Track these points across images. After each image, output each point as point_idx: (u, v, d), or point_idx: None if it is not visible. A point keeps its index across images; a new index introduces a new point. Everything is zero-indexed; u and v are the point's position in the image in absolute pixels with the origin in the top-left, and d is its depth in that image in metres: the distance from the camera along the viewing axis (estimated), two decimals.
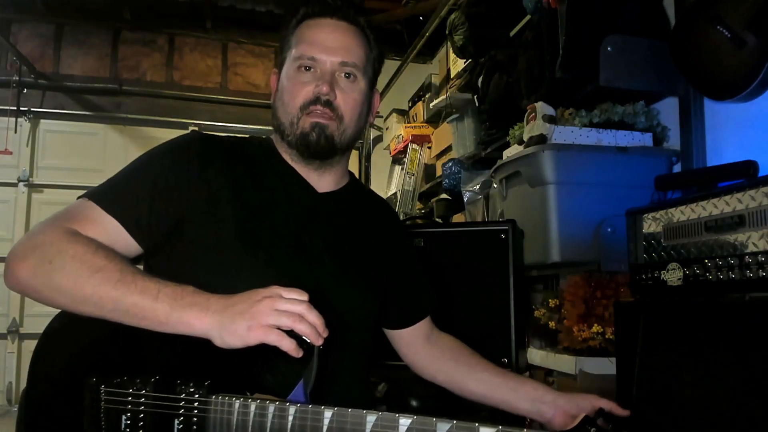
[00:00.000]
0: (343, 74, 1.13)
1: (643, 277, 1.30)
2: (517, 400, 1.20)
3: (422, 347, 1.31)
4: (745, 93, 1.47)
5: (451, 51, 3.16)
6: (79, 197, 1.05)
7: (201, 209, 1.05)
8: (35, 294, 0.94)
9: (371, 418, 0.81)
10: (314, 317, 0.86)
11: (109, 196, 1.03)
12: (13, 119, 4.32)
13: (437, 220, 3.32)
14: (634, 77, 1.80)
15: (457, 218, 3.06)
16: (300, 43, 1.14)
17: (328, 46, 1.12)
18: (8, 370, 4.22)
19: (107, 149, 4.59)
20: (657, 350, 1.19)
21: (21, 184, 4.49)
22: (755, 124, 1.59)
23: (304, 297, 0.88)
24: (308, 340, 0.86)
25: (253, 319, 0.85)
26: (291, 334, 0.85)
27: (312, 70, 1.12)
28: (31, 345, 3.87)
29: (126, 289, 0.90)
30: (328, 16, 1.15)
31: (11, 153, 4.43)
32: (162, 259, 1.07)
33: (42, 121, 4.59)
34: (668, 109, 1.87)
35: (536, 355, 1.86)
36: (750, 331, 1.01)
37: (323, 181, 1.19)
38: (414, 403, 1.75)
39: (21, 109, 4.39)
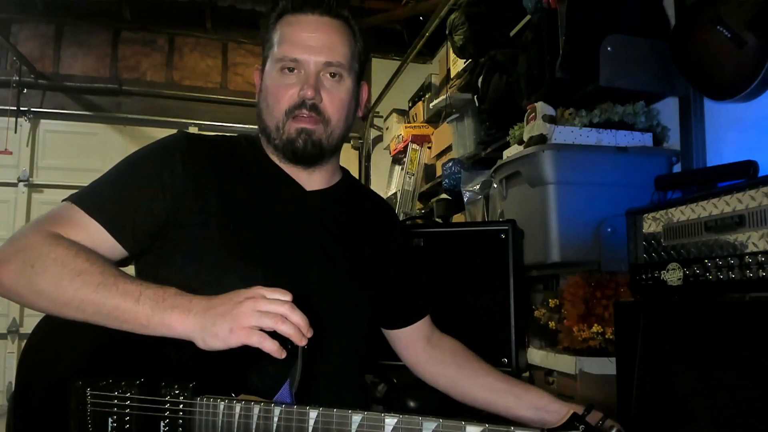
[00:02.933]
0: (328, 74, 1.10)
1: (643, 277, 1.30)
2: (521, 408, 1.17)
3: (423, 349, 1.29)
4: (745, 93, 1.47)
5: (451, 51, 3.16)
6: (63, 200, 1.04)
7: (187, 210, 1.04)
8: (18, 298, 0.94)
9: (356, 417, 0.81)
10: (297, 317, 0.86)
11: (92, 199, 1.02)
12: (13, 119, 4.33)
13: (437, 220, 3.32)
14: (634, 77, 1.80)
15: (457, 218, 3.06)
16: (282, 42, 1.10)
17: (311, 45, 1.09)
18: (8, 370, 4.23)
19: (107, 149, 4.59)
20: (657, 350, 1.19)
21: (21, 184, 4.49)
22: (755, 124, 1.58)
23: (288, 297, 0.87)
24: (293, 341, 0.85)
25: (234, 320, 0.84)
26: (276, 334, 0.84)
27: (295, 71, 1.09)
28: None
29: (107, 292, 0.89)
30: (308, 12, 1.11)
31: (11, 153, 4.44)
32: (150, 261, 1.06)
33: (42, 121, 4.59)
34: (668, 109, 1.87)
35: (536, 355, 1.85)
36: (750, 331, 1.01)
37: (312, 179, 1.17)
38: (412, 404, 1.75)
39: (21, 109, 4.40)
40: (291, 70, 1.10)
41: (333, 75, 1.11)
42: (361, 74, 1.19)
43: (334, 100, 1.11)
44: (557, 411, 1.13)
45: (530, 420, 1.16)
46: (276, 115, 1.11)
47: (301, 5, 1.12)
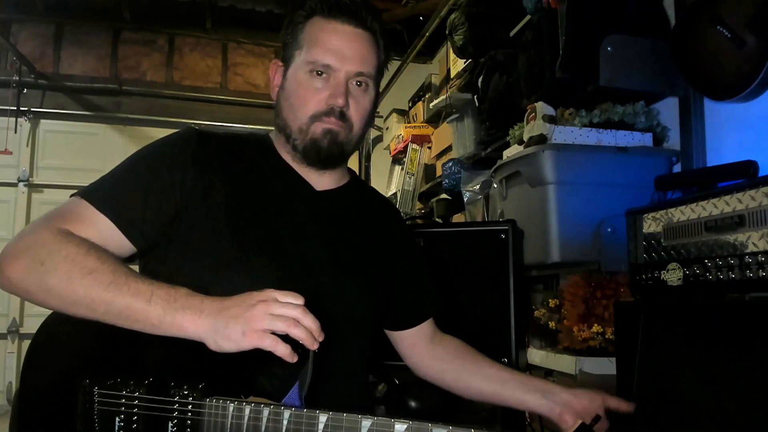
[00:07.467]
0: (355, 83, 1.11)
1: (643, 277, 1.30)
2: (527, 394, 1.19)
3: (426, 348, 1.30)
4: (745, 93, 1.47)
5: (451, 51, 3.16)
6: (71, 195, 1.03)
7: (196, 208, 1.04)
8: (27, 295, 0.93)
9: (366, 422, 0.80)
10: (310, 321, 0.85)
11: (101, 194, 1.02)
12: (13, 119, 4.33)
13: (437, 220, 3.32)
14: (634, 77, 1.80)
15: (457, 218, 3.06)
16: (314, 45, 1.10)
17: (345, 55, 1.09)
18: (8, 370, 4.22)
19: (107, 149, 4.59)
20: (657, 350, 1.19)
21: (21, 184, 4.49)
22: (755, 124, 1.58)
23: (300, 300, 0.87)
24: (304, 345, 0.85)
25: (247, 323, 0.84)
26: (287, 338, 0.84)
27: (324, 76, 1.10)
28: None
29: (118, 291, 0.88)
30: (345, 22, 1.11)
31: (11, 153, 4.44)
32: (157, 258, 1.06)
33: (42, 121, 4.60)
34: (668, 109, 1.87)
35: (536, 355, 1.85)
36: (750, 331, 1.01)
37: (323, 179, 1.17)
38: (413, 403, 1.75)
39: (21, 109, 4.39)
40: (320, 74, 1.10)
41: (359, 84, 1.12)
42: (380, 83, 1.21)
43: (359, 109, 1.12)
44: (561, 397, 1.15)
45: (537, 404, 1.18)
46: (300, 117, 1.11)
47: (338, 13, 1.11)
